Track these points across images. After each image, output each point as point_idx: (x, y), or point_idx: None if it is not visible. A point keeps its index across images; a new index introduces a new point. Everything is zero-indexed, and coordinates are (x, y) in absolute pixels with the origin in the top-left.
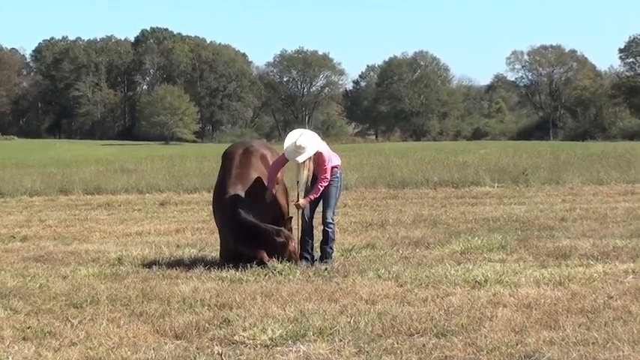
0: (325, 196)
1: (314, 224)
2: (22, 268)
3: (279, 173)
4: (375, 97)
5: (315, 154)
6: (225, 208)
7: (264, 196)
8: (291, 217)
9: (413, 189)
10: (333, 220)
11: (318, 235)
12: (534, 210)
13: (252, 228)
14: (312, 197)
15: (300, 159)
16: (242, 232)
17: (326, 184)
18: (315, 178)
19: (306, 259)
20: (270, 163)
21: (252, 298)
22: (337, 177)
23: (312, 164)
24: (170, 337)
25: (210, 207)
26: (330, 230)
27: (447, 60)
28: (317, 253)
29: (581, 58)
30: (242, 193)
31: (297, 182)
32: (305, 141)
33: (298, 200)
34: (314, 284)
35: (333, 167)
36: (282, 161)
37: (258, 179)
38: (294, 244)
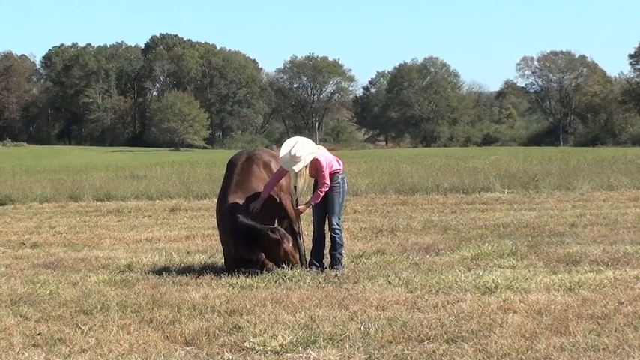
0: (328, 202)
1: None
2: (32, 275)
3: (283, 180)
4: (385, 104)
5: (312, 161)
6: (224, 215)
7: (266, 204)
8: (289, 219)
9: (423, 195)
10: (339, 225)
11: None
12: (544, 216)
13: (250, 230)
14: (312, 203)
15: (296, 168)
16: (241, 236)
17: (326, 189)
18: (317, 184)
19: (315, 265)
20: (274, 170)
21: (263, 305)
22: (339, 182)
23: (308, 172)
24: (180, 343)
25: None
26: (337, 236)
27: (457, 66)
28: (328, 260)
29: (591, 64)
30: (242, 201)
31: (294, 188)
32: (299, 150)
33: (297, 206)
34: (324, 290)
35: (334, 173)
36: (283, 171)
37: (257, 186)
38: (290, 244)
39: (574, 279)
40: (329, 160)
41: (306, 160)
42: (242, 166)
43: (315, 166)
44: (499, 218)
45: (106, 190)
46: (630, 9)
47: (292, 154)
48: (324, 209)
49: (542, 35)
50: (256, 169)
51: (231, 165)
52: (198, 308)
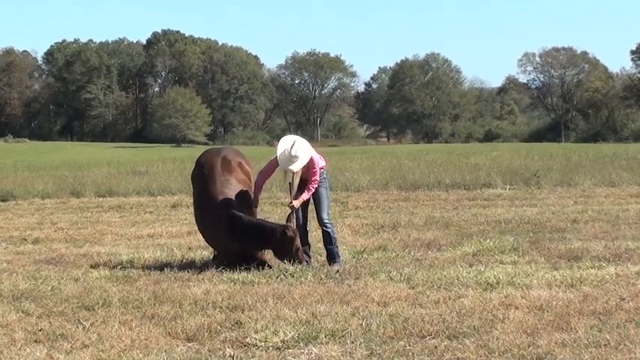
0: (316, 198)
1: (314, 228)
2: (33, 271)
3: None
4: (387, 99)
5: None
6: (220, 215)
7: (246, 202)
8: (292, 214)
9: (425, 191)
10: (329, 219)
11: (318, 235)
12: (546, 212)
13: (259, 228)
14: (304, 198)
15: (295, 167)
16: (249, 234)
17: (316, 185)
18: (303, 180)
19: (305, 261)
20: (246, 169)
21: (264, 301)
22: (325, 178)
23: (301, 169)
24: (182, 339)
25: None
26: (329, 230)
27: (459, 62)
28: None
29: (593, 60)
30: (233, 199)
31: (290, 184)
32: (299, 150)
33: (291, 202)
34: (325, 286)
35: (320, 169)
36: (272, 168)
37: (239, 186)
38: (299, 240)
39: (576, 275)
40: (316, 157)
41: (304, 160)
42: (221, 165)
43: (308, 164)
44: (500, 214)
45: (107, 186)
46: (632, 5)
47: (292, 154)
48: (307, 206)
49: (543, 31)
50: (234, 169)
51: (206, 165)
52: (200, 304)
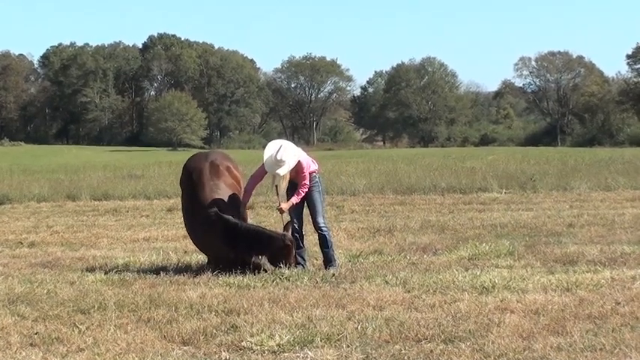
0: (310, 203)
1: (310, 232)
2: (29, 274)
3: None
4: (383, 104)
5: None
6: (211, 220)
7: (237, 206)
8: (290, 221)
9: (420, 195)
10: (325, 223)
11: (313, 239)
12: (542, 216)
13: (256, 235)
14: (293, 202)
15: (281, 172)
16: (245, 241)
17: (306, 189)
18: (293, 185)
19: (301, 265)
20: (235, 173)
21: (260, 304)
22: (317, 182)
23: (290, 173)
24: (177, 343)
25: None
26: (325, 233)
27: (455, 66)
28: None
29: (589, 64)
30: (223, 205)
31: (276, 186)
32: (285, 154)
33: (280, 205)
34: (321, 290)
35: (311, 172)
36: (261, 174)
37: (228, 190)
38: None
39: (571, 279)
40: (307, 161)
41: (291, 164)
42: (209, 170)
43: (296, 168)
44: (496, 218)
45: (103, 189)
46: (628, 9)
47: (278, 158)
48: (302, 209)
49: (540, 35)
50: (222, 173)
51: (194, 170)
52: (196, 308)
